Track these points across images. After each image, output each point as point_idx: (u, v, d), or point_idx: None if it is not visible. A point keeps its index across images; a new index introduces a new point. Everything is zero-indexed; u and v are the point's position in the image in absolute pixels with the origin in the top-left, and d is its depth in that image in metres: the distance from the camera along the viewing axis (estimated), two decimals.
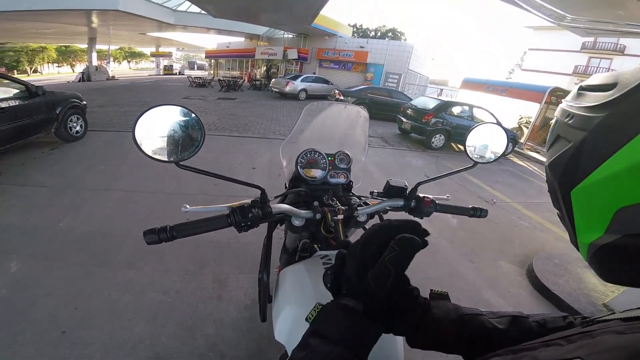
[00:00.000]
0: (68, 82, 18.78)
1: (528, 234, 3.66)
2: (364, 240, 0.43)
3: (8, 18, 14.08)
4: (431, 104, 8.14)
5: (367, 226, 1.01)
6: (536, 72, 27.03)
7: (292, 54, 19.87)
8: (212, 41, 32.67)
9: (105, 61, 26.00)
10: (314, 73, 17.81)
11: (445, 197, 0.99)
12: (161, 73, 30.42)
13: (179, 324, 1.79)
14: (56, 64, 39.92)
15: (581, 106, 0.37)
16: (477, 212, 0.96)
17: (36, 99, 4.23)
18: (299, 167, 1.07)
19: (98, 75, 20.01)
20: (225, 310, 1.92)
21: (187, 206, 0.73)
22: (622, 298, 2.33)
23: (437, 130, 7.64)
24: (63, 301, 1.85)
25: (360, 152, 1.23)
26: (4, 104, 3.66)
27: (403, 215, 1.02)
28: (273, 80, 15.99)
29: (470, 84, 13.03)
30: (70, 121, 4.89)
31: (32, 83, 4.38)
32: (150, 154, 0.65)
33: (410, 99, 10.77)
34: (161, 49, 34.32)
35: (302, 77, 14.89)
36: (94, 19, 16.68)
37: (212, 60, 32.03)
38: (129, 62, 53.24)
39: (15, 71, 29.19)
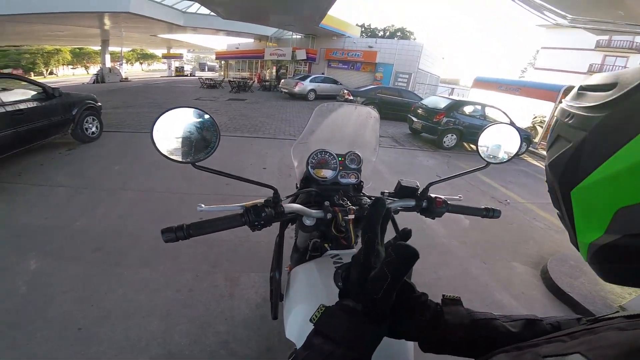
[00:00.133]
0: (83, 83, 19.21)
1: (543, 235, 3.57)
2: (367, 243, 0.43)
3: (23, 20, 14.49)
4: (442, 103, 8.05)
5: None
6: (550, 70, 26.43)
7: (301, 55, 19.93)
8: (222, 42, 32.99)
9: (118, 63, 26.49)
10: (323, 73, 17.79)
11: (457, 197, 0.98)
12: (173, 74, 30.86)
13: (192, 321, 1.81)
14: (71, 66, 40.87)
15: (581, 106, 0.37)
16: (490, 213, 0.95)
17: (53, 100, 4.35)
18: (309, 167, 1.08)
19: (112, 77, 20.41)
20: (236, 308, 1.93)
21: (202, 205, 0.74)
22: (639, 300, 2.26)
23: (449, 130, 7.55)
24: (79, 299, 1.88)
25: (370, 152, 1.24)
26: (22, 106, 3.77)
27: (414, 216, 1.02)
28: (282, 81, 16.06)
29: (483, 83, 12.82)
30: (86, 122, 5.01)
31: (49, 85, 4.50)
32: (167, 154, 0.67)
33: (421, 99, 10.68)
34: (172, 51, 34.80)
35: (311, 77, 14.92)
36: (106, 21, 17.05)
37: (222, 62, 32.37)
38: (141, 63, 54.14)
39: (32, 73, 29.96)
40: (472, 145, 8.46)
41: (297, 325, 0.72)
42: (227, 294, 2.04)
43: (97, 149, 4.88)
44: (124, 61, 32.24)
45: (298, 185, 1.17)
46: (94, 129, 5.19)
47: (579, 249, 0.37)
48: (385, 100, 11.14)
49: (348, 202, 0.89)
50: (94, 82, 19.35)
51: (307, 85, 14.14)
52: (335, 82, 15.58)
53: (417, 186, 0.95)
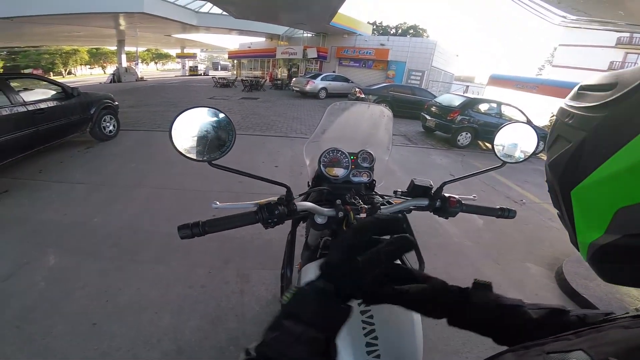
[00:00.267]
0: (100, 83, 19.78)
1: (558, 236, 3.45)
2: (360, 228, 0.45)
3: (42, 22, 15.00)
4: (457, 101, 7.89)
5: None
6: (568, 68, 25.60)
7: (312, 53, 19.96)
8: (235, 42, 33.41)
9: (134, 62, 27.15)
10: (334, 71, 17.77)
11: (472, 197, 0.96)
12: (187, 74, 31.41)
13: (203, 317, 1.83)
14: (88, 66, 42.12)
15: (581, 106, 0.37)
16: (505, 213, 0.93)
17: (72, 100, 4.48)
18: (321, 165, 1.08)
19: (128, 77, 20.93)
20: (247, 305, 1.95)
21: (217, 203, 0.76)
22: None
23: (463, 128, 7.39)
24: (95, 294, 1.93)
25: (383, 151, 1.21)
26: (42, 105, 3.89)
27: (427, 215, 1.00)
28: (294, 79, 16.13)
29: (498, 81, 12.55)
30: (103, 121, 5.14)
31: (68, 85, 4.65)
32: (185, 153, 0.68)
33: (434, 96, 10.49)
34: (186, 50, 35.44)
35: (322, 75, 14.91)
36: (121, 21, 17.52)
37: (235, 61, 32.73)
38: (155, 63, 55.31)
39: (51, 73, 31.03)
40: (487, 144, 8.25)
41: None
42: (238, 290, 2.06)
43: (114, 147, 5.01)
44: (140, 61, 32.98)
45: (310, 184, 1.16)
46: (111, 128, 5.33)
47: (579, 249, 0.37)
48: (397, 98, 10.98)
49: (360, 201, 0.89)
50: (110, 82, 19.89)
51: (318, 83, 14.12)
52: (346, 80, 15.51)
53: (431, 185, 0.93)
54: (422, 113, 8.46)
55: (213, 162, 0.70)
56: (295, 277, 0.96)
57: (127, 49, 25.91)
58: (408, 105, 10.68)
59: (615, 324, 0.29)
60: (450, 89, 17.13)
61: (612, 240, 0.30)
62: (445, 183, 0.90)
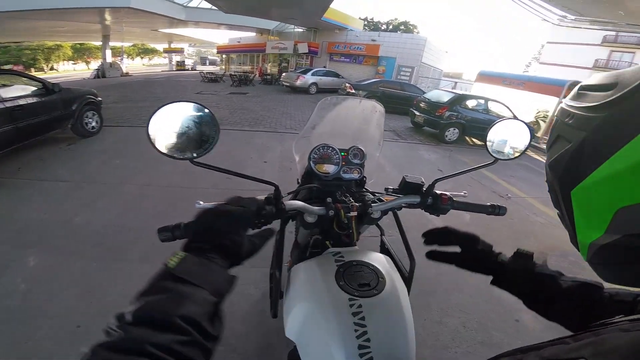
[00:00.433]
0: (83, 78, 19.20)
1: (543, 231, 3.54)
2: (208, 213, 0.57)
3: (24, 17, 14.47)
4: (445, 97, 7.97)
5: (381, 223, 0.98)
6: (554, 65, 26.14)
7: (303, 48, 19.80)
8: (224, 36, 32.92)
9: (119, 58, 26.46)
10: (325, 67, 17.67)
11: (462, 193, 0.95)
12: (174, 69, 30.77)
13: None
14: (72, 61, 40.87)
15: (581, 106, 0.37)
16: (496, 210, 0.92)
17: (52, 96, 4.34)
18: (311, 162, 1.05)
19: (112, 72, 20.38)
20: (236, 304, 1.93)
21: (201, 202, 0.71)
22: None
23: (451, 124, 7.48)
24: (79, 295, 1.89)
25: (374, 147, 1.20)
26: (22, 102, 3.76)
27: (418, 212, 0.99)
28: (283, 74, 15.98)
29: (486, 77, 12.69)
30: (86, 117, 5.00)
31: (49, 80, 4.51)
32: (164, 151, 0.64)
33: (423, 92, 10.56)
34: (173, 45, 34.69)
35: (313, 70, 14.81)
36: (107, 16, 16.98)
37: (224, 56, 32.24)
38: (142, 58, 54.01)
39: (32, 69, 29.94)
40: (475, 140, 8.40)
41: (297, 323, 0.71)
42: None
43: (97, 143, 4.88)
44: (125, 56, 32.14)
45: (299, 181, 1.14)
46: (94, 124, 5.19)
47: (579, 249, 0.37)
48: (387, 93, 11.04)
49: (350, 199, 0.87)
50: (95, 77, 19.33)
51: (308, 78, 14.04)
52: (337, 75, 15.47)
53: (422, 182, 0.92)
54: (411, 109, 8.51)
55: (196, 160, 0.67)
56: (285, 276, 0.95)
57: (112, 44, 25.20)
58: (397, 100, 10.75)
59: (614, 326, 0.29)
60: (438, 85, 17.29)
61: (612, 240, 0.30)
62: (437, 180, 0.89)
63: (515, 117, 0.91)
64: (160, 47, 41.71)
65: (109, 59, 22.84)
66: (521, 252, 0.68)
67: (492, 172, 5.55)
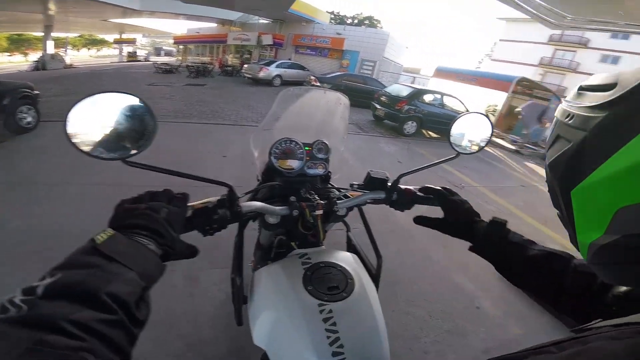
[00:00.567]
0: (19, 71, 17.26)
1: (503, 219, 3.82)
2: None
3: None
4: (404, 91, 8.25)
5: (347, 219, 0.97)
6: (505, 62, 28.00)
7: (267, 40, 19.37)
8: (182, 27, 31.14)
9: (62, 49, 24.08)
10: (290, 59, 17.42)
11: (437, 187, 0.94)
12: (124, 60, 28.59)
13: (154, 325, 1.69)
14: (7, 53, 36.58)
15: (581, 106, 0.37)
16: None
17: None
18: (272, 157, 0.98)
19: (54, 64, 18.52)
20: (200, 308, 1.85)
21: None
22: None
23: (410, 117, 7.77)
24: None
25: (339, 141, 1.15)
26: None
27: (383, 208, 0.98)
28: (245, 66, 15.46)
29: (442, 73, 13.28)
30: (20, 112, 4.49)
31: None
32: (88, 150, 0.55)
33: (384, 86, 10.85)
34: (125, 36, 32.39)
35: (277, 62, 14.48)
36: (51, 5, 15.45)
37: (181, 47, 30.77)
38: (89, 49, 49.65)
39: None
40: (431, 133, 8.82)
41: (265, 331, 0.68)
42: (187, 293, 1.95)
43: (35, 140, 4.39)
44: (70, 47, 29.27)
45: (259, 178, 1.06)
46: (29, 119, 4.66)
47: (579, 249, 0.37)
48: (350, 87, 11.17)
49: (316, 196, 0.84)
50: (34, 70, 17.48)
51: (272, 70, 13.72)
52: (302, 68, 15.30)
53: (387, 177, 0.90)
54: (373, 102, 8.71)
55: (128, 159, 0.59)
56: (249, 276, 0.90)
57: (55, 34, 22.88)
58: (360, 94, 10.90)
59: (598, 334, 0.28)
60: (398, 80, 17.81)
61: (612, 240, 0.30)
62: (402, 175, 0.87)
63: (476, 111, 0.92)
64: (111, 37, 38.50)
65: (51, 50, 20.75)
66: (496, 220, 0.72)
67: (448, 163, 5.84)
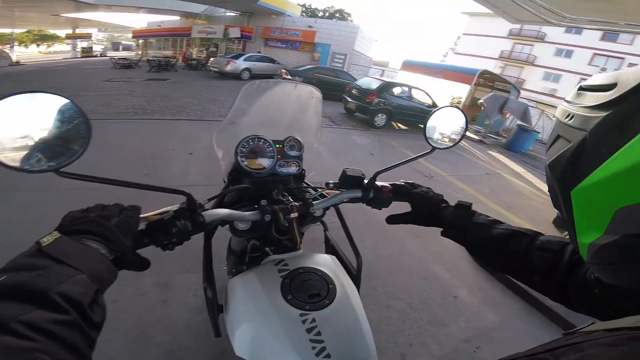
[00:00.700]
0: None
1: (468, 202, 3.98)
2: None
3: None
4: (374, 84, 8.34)
5: (325, 219, 0.91)
6: (467, 55, 29.23)
7: (235, 33, 18.86)
8: (141, 20, 29.51)
9: (8, 45, 21.98)
10: (259, 52, 17.05)
11: (400, 182, 0.92)
12: (78, 56, 26.54)
13: (125, 335, 1.59)
14: None
15: (581, 106, 0.37)
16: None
17: None
18: (239, 157, 0.90)
19: None
20: (175, 315, 1.75)
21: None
22: None
23: (380, 110, 7.88)
24: None
25: (313, 137, 1.10)
26: None
27: (360, 207, 0.92)
28: (212, 59, 14.92)
29: (410, 66, 13.64)
30: None
31: None
32: (10, 163, 0.45)
33: (355, 79, 10.91)
34: (79, 31, 30.03)
35: (246, 55, 14.08)
36: None
37: (141, 40, 29.30)
38: (38, 45, 45.67)
39: None
40: (400, 125, 9.05)
41: (247, 343, 0.64)
42: (160, 300, 1.82)
43: None
44: (16, 44, 26.72)
45: (225, 180, 0.98)
46: None
47: (579, 249, 0.36)
48: (322, 80, 11.13)
49: (289, 198, 0.79)
50: None
51: (240, 63, 13.31)
52: (272, 61, 15.00)
53: (363, 175, 0.87)
54: (344, 95, 8.73)
55: (62, 170, 0.49)
56: (225, 280, 0.84)
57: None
58: (332, 87, 10.90)
59: (592, 340, 0.28)
60: (368, 73, 18.07)
61: (612, 240, 0.30)
62: (378, 173, 0.84)
63: (451, 105, 0.89)
64: (63, 33, 35.57)
65: None
66: (461, 203, 0.75)
67: (414, 153, 5.98)
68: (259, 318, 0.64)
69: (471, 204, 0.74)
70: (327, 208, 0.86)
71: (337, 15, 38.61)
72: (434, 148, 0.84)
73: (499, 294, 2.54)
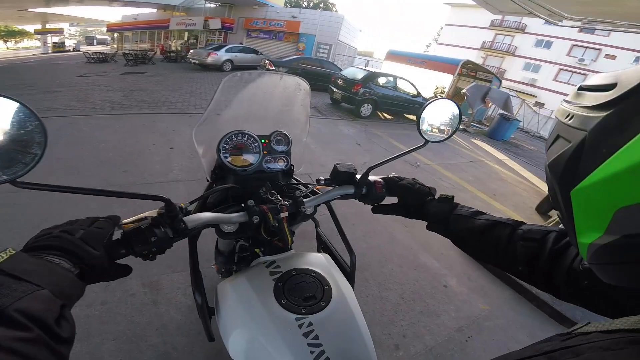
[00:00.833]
0: None
1: (450, 193, 4.03)
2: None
3: None
4: (359, 74, 8.29)
5: (316, 216, 0.87)
6: (450, 46, 29.53)
7: (215, 24, 18.42)
8: (116, 13, 28.45)
9: None
10: (241, 43, 16.72)
11: (391, 175, 0.88)
12: (50, 51, 25.25)
13: (117, 337, 1.54)
14: None
15: (581, 106, 0.37)
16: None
17: None
18: (222, 154, 0.85)
19: None
20: (166, 316, 1.70)
21: None
22: None
23: (365, 100, 7.86)
24: None
25: (301, 131, 1.05)
26: None
27: (354, 205, 0.90)
28: (192, 51, 14.54)
29: (394, 56, 13.65)
30: None
31: None
32: None
33: (341, 70, 10.83)
34: (50, 26, 28.56)
35: (227, 47, 13.75)
36: None
37: (116, 34, 28.34)
38: (5, 41, 43.27)
39: None
40: (386, 114, 9.09)
41: (241, 348, 0.61)
42: (149, 301, 1.77)
43: None
44: None
45: (208, 179, 0.93)
46: None
47: (579, 250, 0.36)
48: (307, 70, 11.03)
49: (278, 196, 0.75)
50: None
51: (222, 55, 12.99)
52: (255, 52, 14.72)
53: (355, 170, 0.84)
54: (330, 85, 8.66)
55: (19, 179, 0.45)
56: (214, 279, 0.80)
57: None
58: (317, 77, 10.77)
59: (588, 343, 0.27)
60: (353, 63, 18.04)
61: (612, 240, 0.30)
62: (371, 168, 0.81)
63: (445, 98, 0.85)
64: (32, 28, 33.75)
65: None
66: (443, 196, 0.76)
67: (401, 143, 6.06)
68: (253, 324, 0.62)
69: (453, 196, 0.75)
70: (319, 204, 0.83)
71: (322, 5, 38.19)
72: (427, 141, 0.82)
73: (487, 282, 2.59)
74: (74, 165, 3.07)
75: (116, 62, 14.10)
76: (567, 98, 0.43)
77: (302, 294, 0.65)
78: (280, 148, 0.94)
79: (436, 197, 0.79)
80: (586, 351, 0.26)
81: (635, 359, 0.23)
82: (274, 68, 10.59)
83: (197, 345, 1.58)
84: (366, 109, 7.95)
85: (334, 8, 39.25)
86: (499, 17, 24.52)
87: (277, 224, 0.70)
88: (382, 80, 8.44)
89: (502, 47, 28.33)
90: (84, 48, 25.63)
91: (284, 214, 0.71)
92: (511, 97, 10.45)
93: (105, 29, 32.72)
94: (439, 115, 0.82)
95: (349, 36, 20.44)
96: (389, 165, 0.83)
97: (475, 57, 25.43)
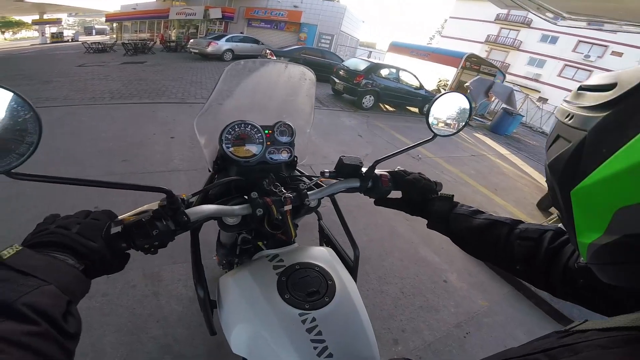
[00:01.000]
0: None
1: (451, 188, 3.98)
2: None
3: None
4: (362, 65, 8.18)
5: (320, 209, 0.86)
6: (454, 39, 29.13)
7: (216, 14, 18.23)
8: (115, 3, 28.08)
9: None
10: (242, 32, 16.54)
11: (396, 169, 0.86)
12: (48, 42, 24.97)
13: (119, 330, 1.55)
14: None
15: (581, 106, 0.37)
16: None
17: None
18: (224, 145, 0.84)
19: None
20: (167, 308, 1.70)
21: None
22: None
23: (367, 91, 7.78)
24: None
25: (305, 121, 1.03)
26: None
27: (356, 197, 0.87)
28: (192, 40, 14.42)
29: (397, 48, 13.45)
30: None
31: None
32: None
33: (342, 60, 10.70)
34: (47, 16, 28.22)
35: (228, 36, 13.64)
36: None
37: (115, 24, 27.97)
38: (3, 32, 42.84)
39: None
40: (388, 106, 9.00)
41: (244, 342, 0.61)
42: (150, 292, 1.76)
43: None
44: None
45: (210, 169, 0.92)
46: None
47: (579, 250, 0.36)
48: (309, 60, 10.91)
49: (282, 189, 0.73)
50: None
51: (222, 44, 12.87)
52: (256, 41, 14.57)
53: (361, 163, 0.81)
54: (332, 76, 8.57)
55: (14, 170, 0.44)
56: (216, 270, 0.79)
57: None
58: (319, 68, 10.57)
59: (586, 340, 0.28)
60: (355, 54, 17.87)
61: (612, 240, 0.30)
62: (377, 161, 0.79)
63: (455, 91, 0.83)
64: (29, 19, 33.32)
65: None
66: (443, 195, 0.76)
67: (403, 135, 6.02)
68: (257, 319, 0.61)
69: (453, 195, 0.75)
70: (323, 197, 0.81)
71: None
72: (435, 135, 0.80)
73: (487, 278, 2.58)
74: (74, 155, 3.05)
75: (115, 52, 13.95)
76: (567, 98, 0.43)
77: (305, 289, 0.64)
78: (284, 139, 0.92)
79: (439, 185, 0.80)
80: (584, 349, 0.26)
81: (633, 356, 0.23)
82: (275, 58, 10.50)
83: (198, 337, 1.58)
84: (368, 101, 7.88)
85: None
86: (505, 10, 24.17)
87: (280, 217, 0.69)
88: (384, 72, 8.33)
89: (507, 41, 27.94)
90: (82, 38, 25.37)
91: (288, 207, 0.69)
92: (515, 91, 10.35)
93: (104, 19, 32.46)
94: (448, 108, 0.80)
95: (351, 27, 20.24)
96: (394, 157, 0.81)
97: (479, 50, 25.13)
